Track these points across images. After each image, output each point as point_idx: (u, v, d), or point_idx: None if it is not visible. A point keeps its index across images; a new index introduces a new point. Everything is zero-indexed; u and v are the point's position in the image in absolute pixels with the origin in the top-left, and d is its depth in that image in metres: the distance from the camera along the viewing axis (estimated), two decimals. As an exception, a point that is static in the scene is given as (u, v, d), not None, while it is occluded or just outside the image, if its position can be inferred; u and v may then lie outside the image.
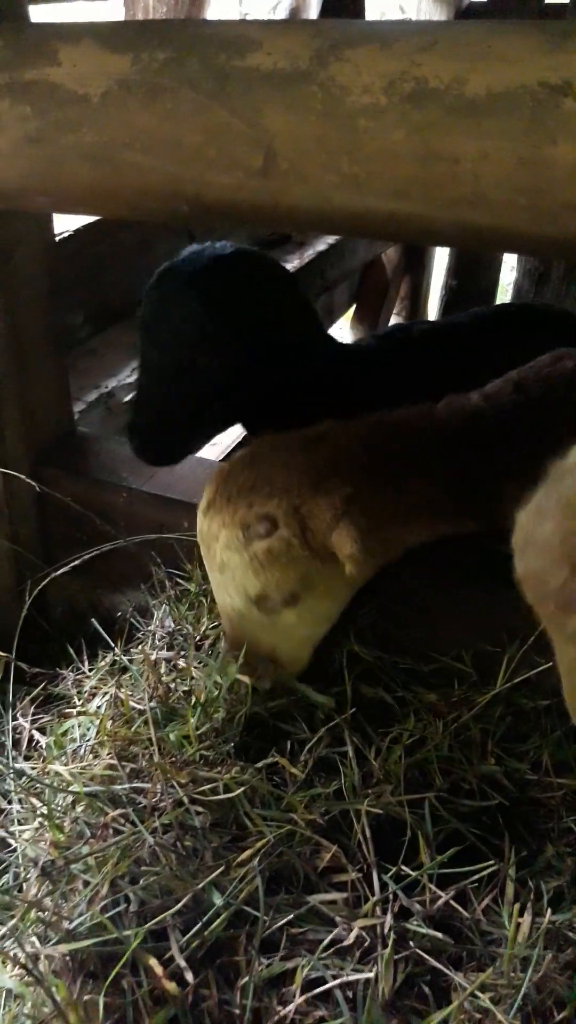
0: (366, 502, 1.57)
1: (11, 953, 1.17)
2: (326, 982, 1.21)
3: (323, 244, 4.26)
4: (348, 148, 1.14)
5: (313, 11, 4.30)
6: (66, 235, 2.73)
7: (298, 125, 1.15)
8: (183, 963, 1.19)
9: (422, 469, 1.65)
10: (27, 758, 1.77)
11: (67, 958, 1.20)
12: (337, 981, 1.19)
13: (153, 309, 2.01)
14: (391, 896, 1.37)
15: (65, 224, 2.76)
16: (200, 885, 1.30)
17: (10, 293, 1.87)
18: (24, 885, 1.38)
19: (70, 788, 1.51)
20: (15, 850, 1.53)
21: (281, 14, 4.73)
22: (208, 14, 4.99)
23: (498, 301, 6.07)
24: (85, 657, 2.06)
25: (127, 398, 2.76)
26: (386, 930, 1.30)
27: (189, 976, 1.18)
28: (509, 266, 6.35)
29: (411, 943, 1.30)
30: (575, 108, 1.03)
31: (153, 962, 1.16)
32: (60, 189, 1.35)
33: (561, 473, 1.18)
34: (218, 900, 1.30)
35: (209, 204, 1.27)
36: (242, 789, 1.47)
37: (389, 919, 1.31)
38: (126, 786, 1.49)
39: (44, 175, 1.34)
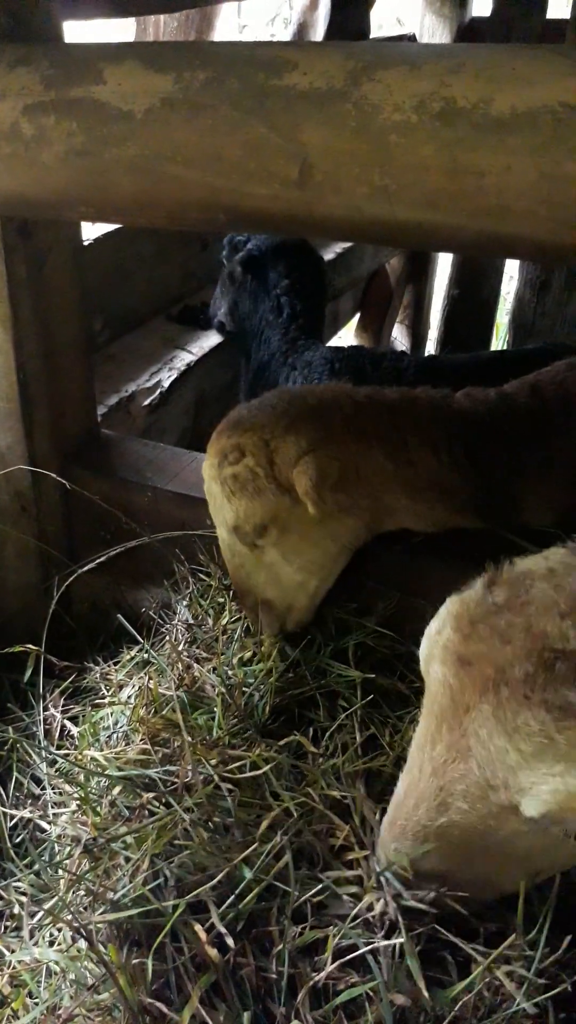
0: (348, 456, 1.66)
1: (66, 918, 1.24)
2: (356, 950, 1.27)
3: (330, 253, 4.32)
4: (380, 161, 1.22)
5: (320, 27, 4.39)
6: (86, 244, 2.80)
7: (333, 140, 1.23)
8: (223, 930, 1.25)
9: (434, 446, 1.73)
10: (59, 747, 1.84)
11: (113, 928, 1.27)
12: (369, 947, 1.25)
13: None
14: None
15: (84, 234, 2.82)
16: (234, 863, 1.36)
17: (42, 299, 1.94)
18: (67, 863, 1.44)
19: (106, 772, 1.58)
20: (50, 833, 1.59)
21: (279, 27, 4.82)
22: (216, 29, 5.10)
23: (499, 311, 6.15)
24: (109, 652, 2.13)
25: (146, 402, 2.83)
26: (387, 908, 1.34)
27: (230, 941, 1.24)
28: (509, 275, 6.43)
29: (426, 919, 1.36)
30: (594, 126, 1.11)
31: (197, 928, 1.23)
32: (103, 200, 1.43)
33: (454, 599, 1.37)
34: (247, 874, 1.36)
35: (246, 214, 1.35)
36: (269, 766, 1.53)
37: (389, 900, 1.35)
38: (159, 769, 1.56)
39: (89, 186, 1.41)
